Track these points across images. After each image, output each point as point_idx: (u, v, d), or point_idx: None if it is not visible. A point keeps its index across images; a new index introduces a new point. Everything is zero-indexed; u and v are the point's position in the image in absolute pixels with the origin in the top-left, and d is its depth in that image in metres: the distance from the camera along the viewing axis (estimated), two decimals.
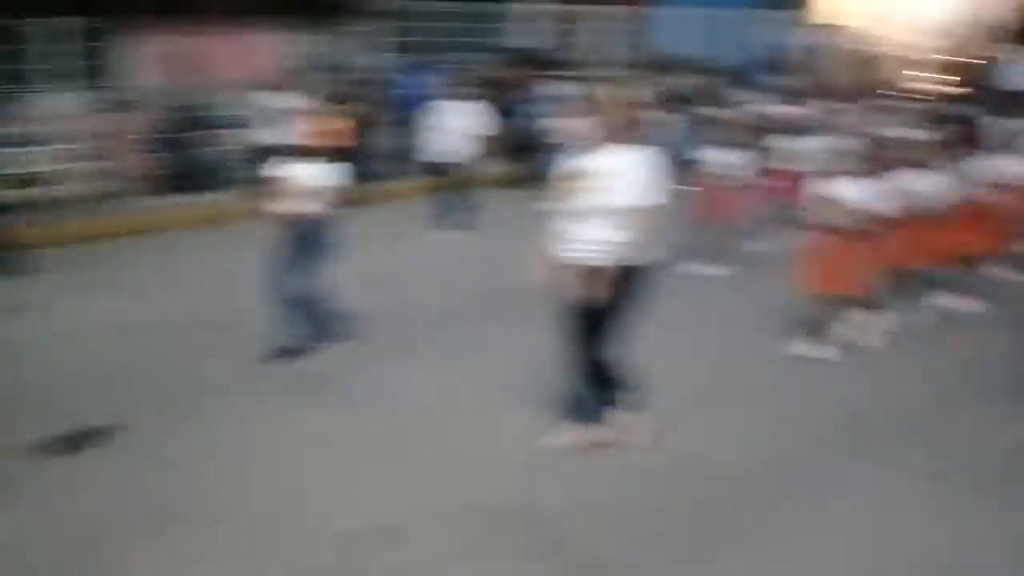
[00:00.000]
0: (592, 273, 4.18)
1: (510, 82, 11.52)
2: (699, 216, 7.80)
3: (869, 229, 5.68)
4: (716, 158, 7.84)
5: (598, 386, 4.49)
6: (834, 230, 5.71)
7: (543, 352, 4.92)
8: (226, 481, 4.24)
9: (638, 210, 4.13)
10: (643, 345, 4.53)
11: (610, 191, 4.16)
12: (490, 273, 7.06)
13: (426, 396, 5.23)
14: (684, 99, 12.29)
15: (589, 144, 4.30)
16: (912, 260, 6.30)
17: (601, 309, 4.25)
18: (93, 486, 4.18)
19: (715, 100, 11.90)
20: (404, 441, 4.70)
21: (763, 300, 6.71)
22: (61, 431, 4.66)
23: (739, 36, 16.76)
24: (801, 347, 5.88)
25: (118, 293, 7.03)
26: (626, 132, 4.24)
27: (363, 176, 10.17)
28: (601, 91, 4.32)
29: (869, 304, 6.04)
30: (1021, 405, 5.26)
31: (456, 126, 8.91)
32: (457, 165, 9.01)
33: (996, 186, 7.11)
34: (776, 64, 14.91)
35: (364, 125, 9.98)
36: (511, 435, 4.73)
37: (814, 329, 5.88)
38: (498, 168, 11.04)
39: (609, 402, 4.55)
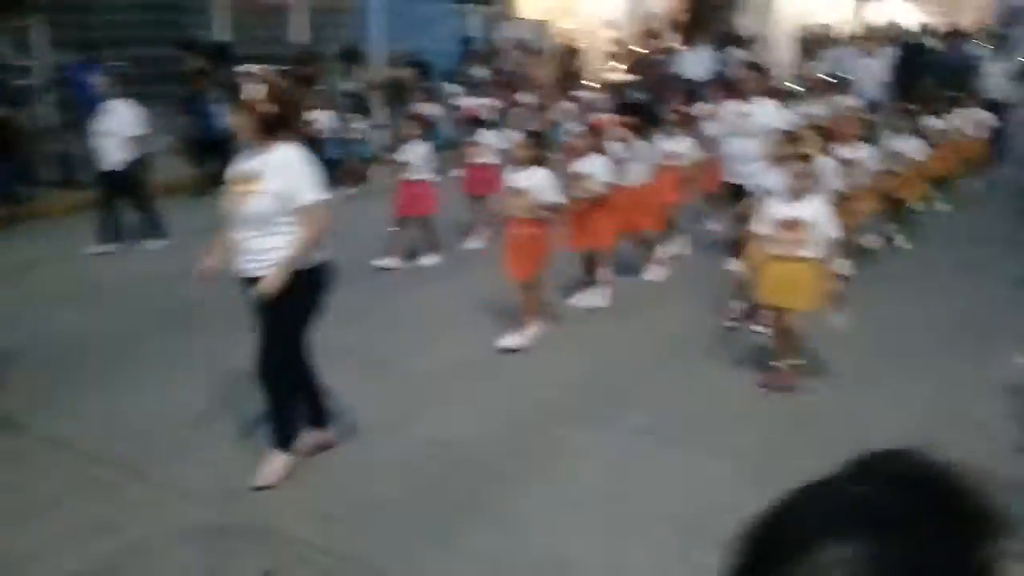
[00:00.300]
0: (261, 283, 3.88)
1: (198, 77, 10.76)
2: (398, 211, 7.82)
3: (546, 216, 5.77)
4: (407, 153, 7.74)
5: (289, 394, 4.19)
6: (518, 219, 5.76)
7: (242, 363, 4.52)
8: None
9: (298, 210, 3.86)
10: (367, 341, 4.35)
11: (261, 194, 3.86)
12: (175, 286, 6.49)
13: (137, 421, 4.79)
14: (393, 90, 12.18)
15: (248, 143, 3.98)
16: (596, 241, 6.58)
17: (279, 317, 3.95)
18: None
19: (414, 94, 11.90)
20: (113, 471, 4.27)
21: (474, 291, 6.78)
22: None
23: (443, 28, 16.91)
24: (513, 339, 5.89)
25: None
26: (277, 129, 3.90)
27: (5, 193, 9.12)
28: (250, 86, 3.91)
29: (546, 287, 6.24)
30: (712, 363, 5.70)
31: (120, 128, 8.08)
32: (124, 172, 8.13)
33: (664, 168, 7.61)
34: (474, 57, 15.18)
35: (9, 133, 8.90)
36: (224, 455, 4.42)
37: (520, 316, 5.99)
38: (187, 171, 10.31)
39: (303, 409, 4.31)
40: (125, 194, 8.28)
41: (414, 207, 7.80)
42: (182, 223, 8.25)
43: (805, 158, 5.11)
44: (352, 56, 12.56)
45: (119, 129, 8.07)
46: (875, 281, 7.27)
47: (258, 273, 3.89)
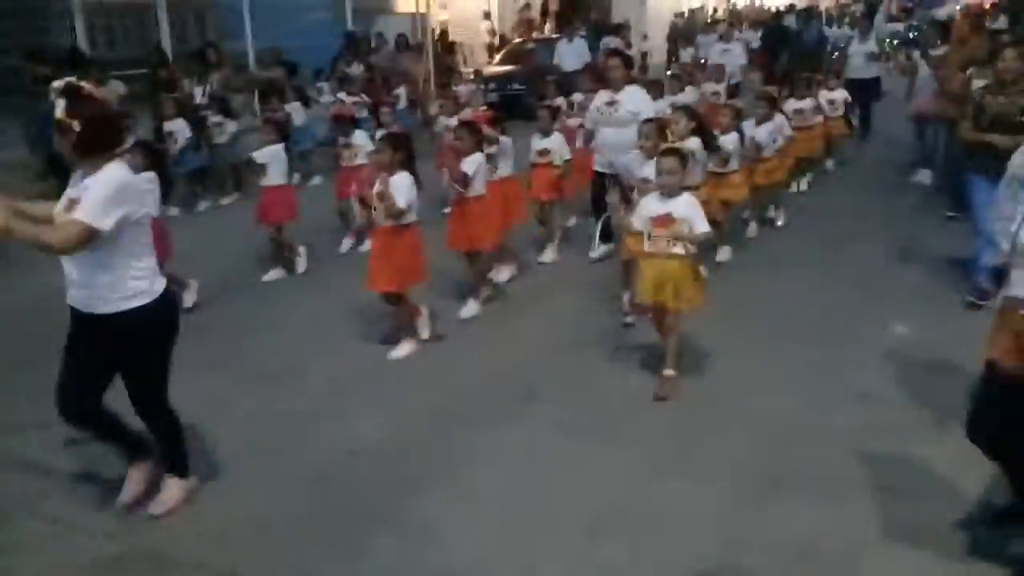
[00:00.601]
0: (91, 323, 3.58)
1: (40, 87, 10.18)
2: (257, 218, 7.62)
3: (405, 223, 5.58)
4: (263, 157, 7.51)
5: (172, 421, 3.96)
6: (380, 226, 5.63)
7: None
8: None
9: (106, 236, 3.43)
10: (259, 353, 4.13)
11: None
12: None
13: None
14: (262, 91, 11.80)
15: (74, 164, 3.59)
16: (464, 243, 6.51)
17: (136, 358, 3.70)
18: None
19: (284, 94, 11.59)
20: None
21: (348, 300, 6.63)
22: None
23: (317, 22, 16.58)
24: (400, 349, 5.80)
25: None
26: (91, 148, 3.47)
27: None
28: (61, 101, 3.44)
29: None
30: (603, 353, 5.75)
31: None
32: None
33: (537, 165, 7.67)
34: (349, 53, 14.91)
35: None
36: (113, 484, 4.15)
37: (398, 326, 5.92)
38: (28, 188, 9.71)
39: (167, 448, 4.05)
40: None
41: (272, 214, 7.55)
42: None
43: (674, 152, 5.01)
44: (206, 56, 11.99)
45: None
46: (754, 262, 7.51)
47: (88, 308, 3.57)
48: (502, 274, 7.20)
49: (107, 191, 3.41)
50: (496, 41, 23.32)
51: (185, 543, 3.77)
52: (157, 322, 3.69)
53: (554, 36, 19.48)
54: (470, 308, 6.48)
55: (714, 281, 6.10)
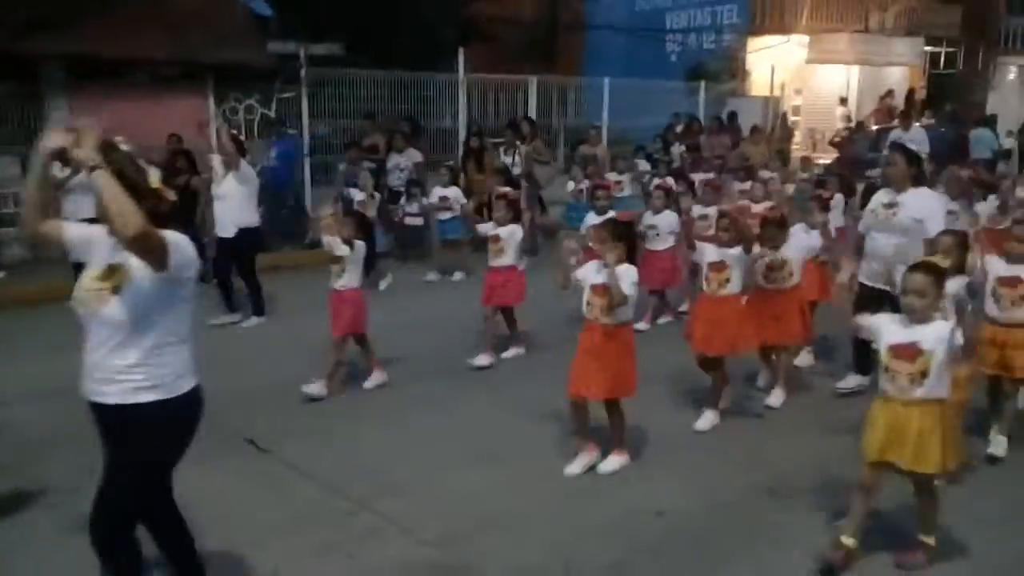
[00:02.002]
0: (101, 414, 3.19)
1: None
2: (485, 299, 7.36)
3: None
4: (497, 231, 7.35)
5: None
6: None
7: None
8: None
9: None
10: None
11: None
12: None
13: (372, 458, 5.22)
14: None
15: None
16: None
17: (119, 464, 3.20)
18: None
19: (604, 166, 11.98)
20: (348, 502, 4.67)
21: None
22: None
23: (669, 105, 17.18)
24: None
25: None
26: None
27: None
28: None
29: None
30: None
31: None
32: None
33: None
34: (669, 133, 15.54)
35: None
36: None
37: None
38: None
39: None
40: None
41: (495, 297, 7.17)
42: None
43: (928, 268, 4.01)
44: (519, 127, 12.55)
45: None
46: None
47: (98, 399, 3.16)
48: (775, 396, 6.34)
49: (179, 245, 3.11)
50: (852, 127, 22.60)
51: (496, 566, 4.14)
52: (168, 424, 3.20)
53: (922, 124, 18.49)
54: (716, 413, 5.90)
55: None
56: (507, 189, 8.57)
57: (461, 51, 14.32)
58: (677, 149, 14.84)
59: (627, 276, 4.83)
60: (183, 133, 10.29)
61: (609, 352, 4.93)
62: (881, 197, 6.24)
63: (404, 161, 11.59)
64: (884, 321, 4.07)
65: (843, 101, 23.75)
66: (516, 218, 7.39)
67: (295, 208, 11.93)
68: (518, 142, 12.16)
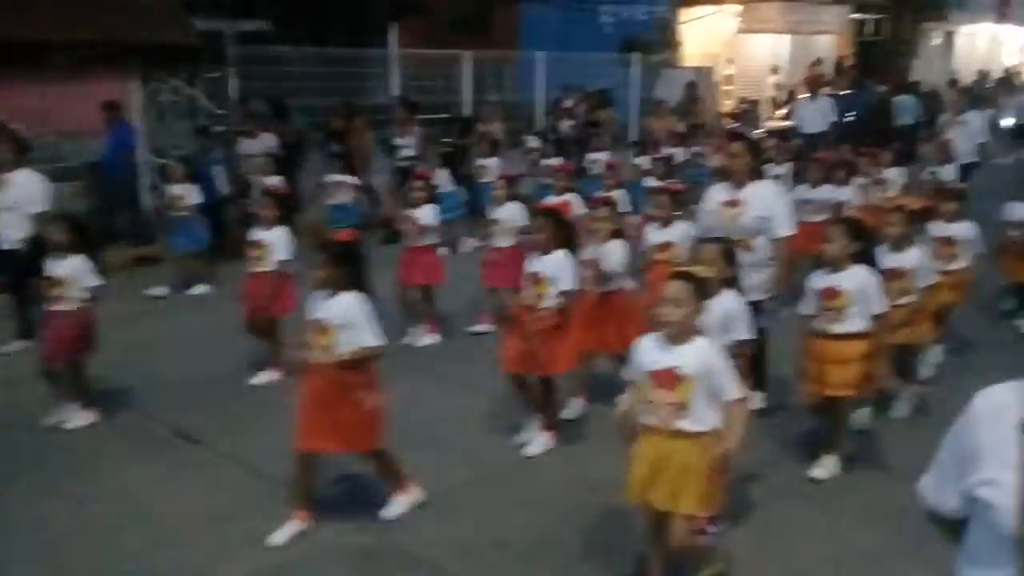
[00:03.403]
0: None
1: None
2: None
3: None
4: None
5: None
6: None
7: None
8: None
9: None
10: None
11: None
12: None
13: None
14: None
15: None
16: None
17: None
18: None
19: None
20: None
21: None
22: None
23: (604, 78, 17.23)
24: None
25: None
26: None
27: None
28: None
29: None
30: None
31: None
32: None
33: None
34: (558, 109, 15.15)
35: None
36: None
37: None
38: None
39: None
40: None
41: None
42: None
43: (686, 276, 3.53)
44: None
45: None
46: None
47: None
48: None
49: None
50: (784, 96, 22.98)
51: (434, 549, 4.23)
52: None
53: (842, 93, 18.88)
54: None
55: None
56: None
57: (394, 27, 14.16)
58: (566, 124, 14.01)
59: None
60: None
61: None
62: (719, 193, 5.38)
63: (258, 147, 10.55)
64: (643, 344, 3.52)
65: (775, 70, 24.10)
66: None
67: (131, 207, 10.39)
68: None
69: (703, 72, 20.01)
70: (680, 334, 3.40)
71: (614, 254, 5.54)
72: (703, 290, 3.48)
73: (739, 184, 5.22)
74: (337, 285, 4.18)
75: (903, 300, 5.27)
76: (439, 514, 4.53)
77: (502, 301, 6.47)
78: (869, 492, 4.76)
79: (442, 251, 7.52)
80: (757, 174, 5.35)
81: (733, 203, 5.23)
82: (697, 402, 3.36)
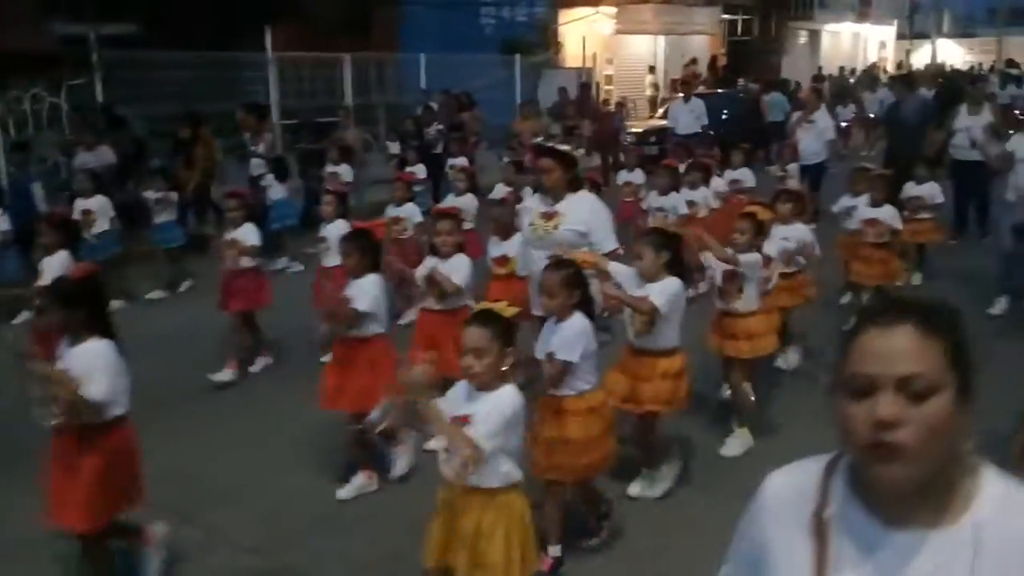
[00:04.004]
0: None
1: None
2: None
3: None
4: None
5: None
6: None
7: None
8: None
9: None
10: None
11: None
12: None
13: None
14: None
15: None
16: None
17: None
18: None
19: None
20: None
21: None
22: None
23: (488, 79, 17.28)
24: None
25: None
26: None
27: None
28: None
29: None
30: None
31: None
32: None
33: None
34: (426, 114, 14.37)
35: None
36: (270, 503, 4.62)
37: None
38: None
39: None
40: None
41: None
42: None
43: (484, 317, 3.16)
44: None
45: None
46: None
47: None
48: None
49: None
50: (660, 96, 23.59)
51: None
52: None
53: (718, 91, 19.53)
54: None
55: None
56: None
57: (268, 29, 13.79)
58: (434, 128, 13.33)
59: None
60: None
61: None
62: (536, 204, 5.16)
63: (93, 160, 9.67)
64: (455, 389, 3.14)
65: (651, 70, 24.72)
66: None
67: None
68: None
69: (583, 73, 20.32)
70: (487, 384, 3.04)
71: (459, 270, 5.22)
72: (508, 332, 3.06)
73: (556, 197, 5.01)
74: (75, 330, 3.55)
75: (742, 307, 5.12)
76: (333, 532, 4.42)
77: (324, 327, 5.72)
78: None
79: (280, 264, 7.09)
80: (575, 185, 5.08)
81: (549, 216, 4.98)
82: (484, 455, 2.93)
